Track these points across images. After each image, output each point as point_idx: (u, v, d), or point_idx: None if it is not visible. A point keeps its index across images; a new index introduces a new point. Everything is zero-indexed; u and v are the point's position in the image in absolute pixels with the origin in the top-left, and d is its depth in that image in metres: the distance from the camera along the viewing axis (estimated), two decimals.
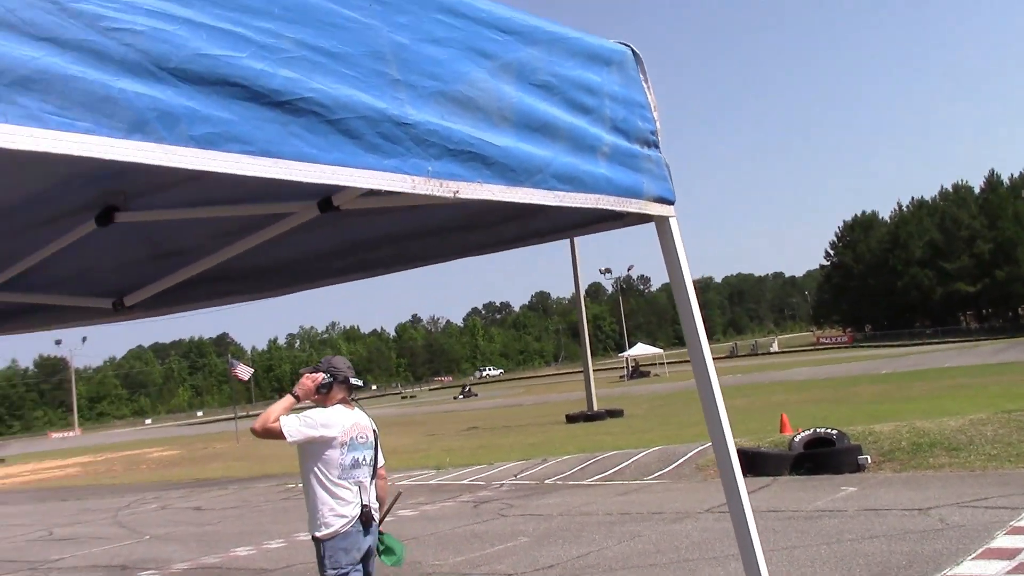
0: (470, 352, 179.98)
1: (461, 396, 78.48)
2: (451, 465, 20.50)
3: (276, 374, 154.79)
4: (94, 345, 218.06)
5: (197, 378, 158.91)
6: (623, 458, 17.23)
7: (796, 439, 14.34)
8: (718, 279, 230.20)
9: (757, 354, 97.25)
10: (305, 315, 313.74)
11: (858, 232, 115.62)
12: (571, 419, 31.95)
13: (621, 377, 73.53)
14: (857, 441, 14.15)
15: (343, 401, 5.61)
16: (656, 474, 15.22)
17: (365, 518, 5.45)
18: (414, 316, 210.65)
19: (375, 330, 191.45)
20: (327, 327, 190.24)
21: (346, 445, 5.45)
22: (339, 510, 5.39)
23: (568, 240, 31.82)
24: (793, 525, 9.60)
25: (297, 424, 5.35)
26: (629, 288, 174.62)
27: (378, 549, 5.70)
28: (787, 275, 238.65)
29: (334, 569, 5.38)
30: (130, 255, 2.63)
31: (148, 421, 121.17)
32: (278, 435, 5.32)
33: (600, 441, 22.25)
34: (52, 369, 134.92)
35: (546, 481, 16.00)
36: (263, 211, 2.18)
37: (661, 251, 2.14)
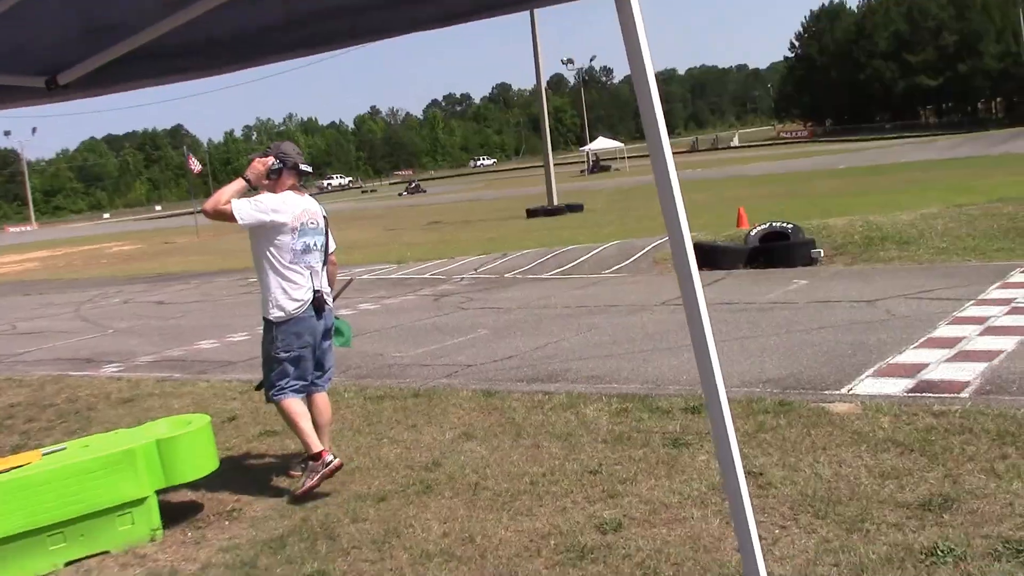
0: (430, 146, 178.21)
1: (405, 192, 77.60)
2: (411, 259, 20.69)
3: (234, 167, 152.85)
4: (45, 137, 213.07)
5: (154, 171, 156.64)
6: (582, 252, 17.46)
7: (752, 233, 14.55)
8: (681, 71, 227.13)
9: (718, 148, 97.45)
10: (261, 107, 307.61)
11: (824, 22, 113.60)
12: (531, 214, 32.15)
13: (582, 172, 73.57)
14: (811, 235, 14.40)
15: (293, 187, 5.71)
16: (614, 268, 15.47)
17: (318, 303, 5.62)
18: (373, 108, 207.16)
19: (333, 122, 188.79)
20: (284, 119, 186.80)
21: (297, 231, 5.57)
22: (292, 294, 5.56)
23: (530, 28, 30.75)
24: (745, 316, 9.87)
25: (248, 207, 5.45)
26: (591, 80, 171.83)
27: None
28: (751, 67, 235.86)
29: (286, 352, 5.60)
30: (62, 29, 2.49)
31: (106, 215, 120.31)
32: (229, 217, 5.42)
33: (559, 236, 22.47)
34: (3, 161, 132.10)
35: (506, 275, 16.23)
36: None
37: (621, 32, 2.02)
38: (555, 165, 35.76)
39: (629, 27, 1.99)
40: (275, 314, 5.58)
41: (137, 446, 5.16)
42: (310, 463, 5.57)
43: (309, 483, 5.49)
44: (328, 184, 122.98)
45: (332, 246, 5.95)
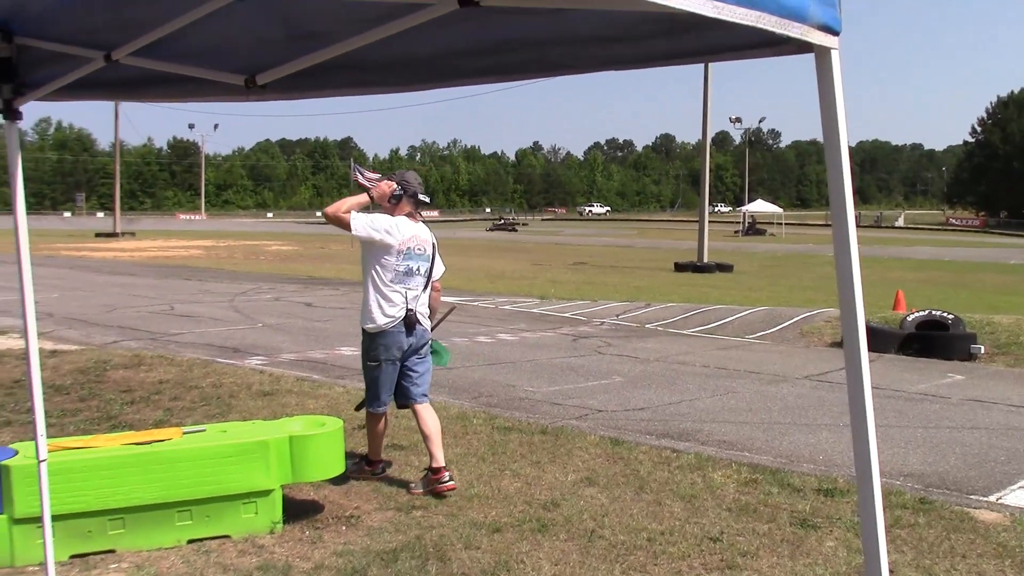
0: (587, 186, 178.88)
1: (493, 228, 76.07)
2: (555, 296, 20.74)
3: None
4: (224, 134, 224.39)
5: (319, 178, 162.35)
6: (727, 313, 17.13)
7: (909, 318, 13.97)
8: (852, 143, 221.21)
9: (881, 226, 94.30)
10: (428, 130, 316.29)
11: (1012, 111, 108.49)
12: (679, 267, 31.83)
13: (736, 232, 72.45)
14: (973, 329, 13.70)
15: (409, 214, 6.17)
16: (759, 334, 15.11)
17: (408, 321, 6.07)
18: (535, 143, 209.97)
19: (495, 153, 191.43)
20: (448, 144, 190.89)
21: (403, 253, 6.04)
22: (387, 310, 6.03)
23: (702, 81, 30.67)
24: (892, 404, 9.46)
25: (365, 222, 5.94)
26: (758, 141, 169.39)
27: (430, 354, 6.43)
28: (926, 148, 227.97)
29: (372, 361, 6.13)
30: (265, 33, 2.61)
31: (270, 215, 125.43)
32: (345, 225, 5.92)
33: (706, 293, 22.14)
34: (184, 152, 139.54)
35: (647, 325, 16.06)
36: None
37: (817, 88, 1.95)
38: (709, 222, 35.32)
39: (827, 84, 1.92)
40: (369, 326, 6.07)
41: (271, 439, 5.30)
42: (365, 466, 6.37)
43: (360, 473, 6.29)
44: (589, 211, 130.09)
45: (438, 272, 6.34)
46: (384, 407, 6.25)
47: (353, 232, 5.92)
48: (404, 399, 6.30)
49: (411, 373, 6.23)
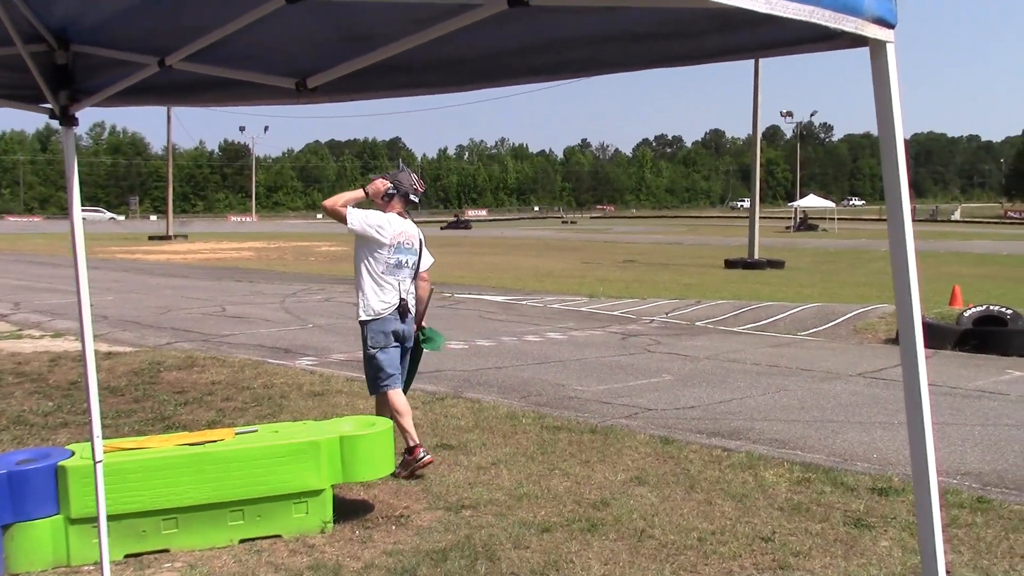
0: (636, 184, 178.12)
1: (447, 226, 72.86)
2: (604, 295, 20.67)
3: (443, 184, 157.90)
4: (274, 136, 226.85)
5: (368, 179, 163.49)
6: (778, 310, 16.95)
7: (966, 314, 13.70)
8: (907, 136, 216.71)
9: (936, 220, 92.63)
10: (476, 128, 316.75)
11: None
12: (730, 264, 31.54)
13: (787, 228, 71.63)
14: None
15: (400, 212, 6.63)
16: (811, 330, 14.92)
17: (402, 308, 6.50)
18: (583, 141, 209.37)
19: (543, 151, 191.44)
20: (496, 142, 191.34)
21: (393, 247, 6.48)
22: (383, 298, 6.45)
23: (752, 75, 30.37)
24: (949, 402, 9.28)
25: (360, 216, 6.44)
26: (809, 135, 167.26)
27: (421, 338, 6.83)
28: (983, 139, 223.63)
29: (374, 347, 6.47)
30: (316, 36, 2.63)
31: (319, 216, 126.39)
32: (342, 218, 6.41)
33: (757, 290, 21.93)
34: (235, 154, 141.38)
35: (697, 323, 15.94)
36: (451, 0, 2.12)
37: (872, 82, 1.90)
38: (761, 218, 34.96)
39: (883, 78, 1.89)
40: (365, 316, 6.47)
41: (322, 439, 5.35)
42: (406, 457, 6.40)
43: (402, 474, 6.33)
44: (740, 204, 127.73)
45: (426, 264, 6.77)
46: (397, 384, 6.54)
47: (349, 225, 6.42)
48: None
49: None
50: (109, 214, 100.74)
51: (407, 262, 6.56)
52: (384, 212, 6.56)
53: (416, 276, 6.66)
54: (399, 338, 6.53)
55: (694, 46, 2.18)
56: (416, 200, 6.75)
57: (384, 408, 6.49)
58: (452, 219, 75.63)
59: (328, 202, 6.54)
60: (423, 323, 6.84)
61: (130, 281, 24.45)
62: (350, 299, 19.77)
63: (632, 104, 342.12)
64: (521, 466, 6.65)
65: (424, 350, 6.91)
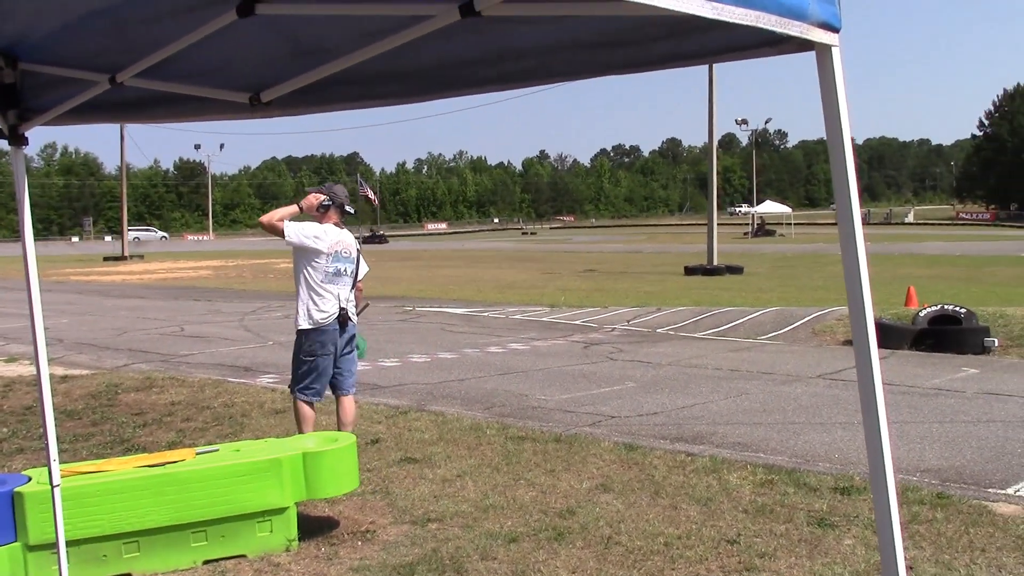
0: (595, 194, 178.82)
1: (364, 240, 73.24)
2: (565, 304, 20.72)
3: (402, 198, 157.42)
4: (230, 153, 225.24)
5: (303, 193, 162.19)
6: (738, 315, 17.09)
7: (921, 314, 13.91)
8: (859, 141, 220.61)
9: (890, 223, 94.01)
10: (434, 142, 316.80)
11: (1019, 103, 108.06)
12: (689, 271, 31.80)
13: (745, 234, 72.36)
14: (986, 322, 13.64)
15: (336, 223, 6.81)
16: (770, 334, 15.06)
17: (342, 318, 6.68)
18: (541, 152, 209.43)
19: (502, 163, 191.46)
20: (455, 156, 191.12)
21: (331, 256, 6.66)
22: (322, 308, 6.62)
23: (707, 84, 30.65)
24: (907, 400, 9.41)
25: (296, 229, 6.61)
26: (764, 143, 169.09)
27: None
28: (933, 143, 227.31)
29: (310, 357, 6.66)
30: (269, 50, 2.62)
31: None
32: (280, 233, 6.59)
33: (717, 296, 22.10)
34: (190, 173, 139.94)
35: (658, 330, 16.03)
36: (403, 12, 2.13)
37: (819, 86, 1.94)
38: (719, 225, 35.26)
39: (828, 82, 1.92)
40: (305, 324, 6.65)
41: (285, 456, 5.30)
42: None
43: None
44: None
45: (362, 272, 7.00)
46: (317, 398, 6.78)
47: (287, 238, 6.58)
48: (335, 391, 6.93)
49: (342, 367, 6.86)
50: (161, 233, 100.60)
51: (346, 270, 6.76)
52: (320, 223, 6.73)
53: (354, 285, 6.87)
54: (334, 350, 6.72)
55: (644, 53, 2.20)
56: (351, 210, 7.01)
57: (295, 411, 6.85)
58: (368, 234, 75.79)
59: (264, 218, 6.72)
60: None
61: (85, 303, 24.10)
62: None
63: (590, 115, 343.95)
64: (486, 477, 6.63)
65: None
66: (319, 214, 6.78)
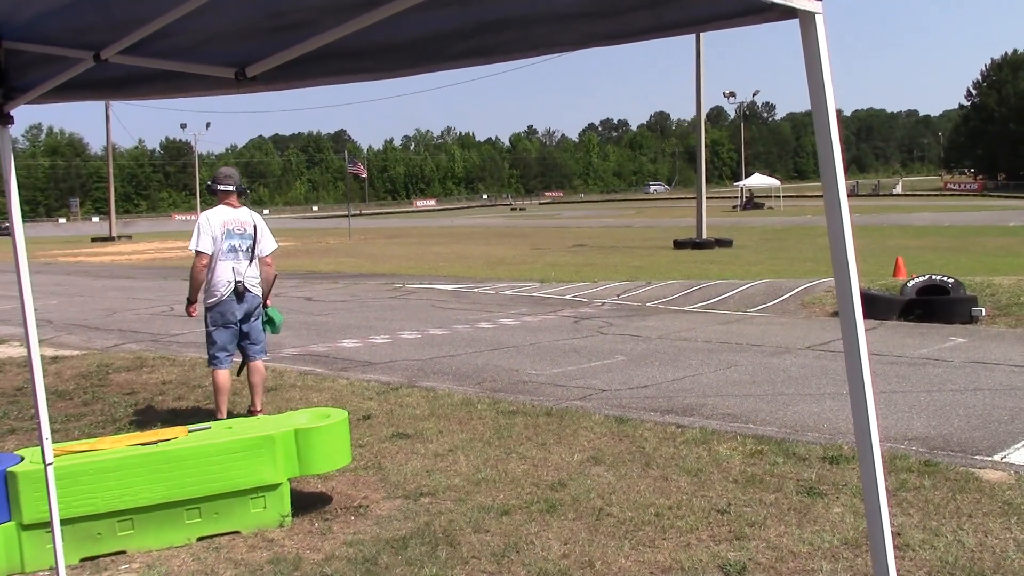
0: (583, 169, 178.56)
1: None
2: (555, 280, 20.74)
3: (390, 175, 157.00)
4: (217, 132, 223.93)
5: (314, 173, 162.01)
6: (727, 288, 17.14)
7: (909, 284, 13.98)
8: (847, 112, 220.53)
9: (879, 195, 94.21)
10: (421, 119, 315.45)
11: (1006, 72, 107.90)
12: (679, 245, 31.84)
13: (734, 207, 72.40)
14: (973, 292, 13.73)
15: (228, 202, 7.44)
16: (760, 307, 15.12)
17: (238, 291, 7.30)
18: (529, 127, 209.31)
19: (490, 139, 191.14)
20: (442, 132, 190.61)
21: (223, 235, 7.26)
22: (219, 281, 7.26)
23: (695, 57, 30.49)
24: (895, 370, 9.47)
25: (193, 239, 7.29)
26: (752, 115, 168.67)
27: (264, 318, 7.64)
28: (921, 114, 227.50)
29: (213, 326, 7.34)
30: (252, 25, 2.62)
31: (266, 212, 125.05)
32: (202, 263, 7.28)
33: (706, 269, 22.15)
34: (177, 152, 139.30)
35: (648, 304, 16.08)
36: None
37: (803, 55, 1.94)
38: (708, 199, 35.28)
39: (812, 49, 1.93)
40: (208, 301, 7.29)
41: (277, 433, 5.32)
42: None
43: None
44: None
45: (268, 249, 7.54)
46: (224, 365, 7.39)
47: (198, 249, 7.24)
48: (245, 358, 7.59)
49: (248, 336, 7.48)
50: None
51: (240, 246, 7.32)
52: (218, 206, 7.40)
53: (254, 259, 7.41)
54: (235, 319, 7.33)
55: (626, 24, 2.20)
56: (230, 188, 7.47)
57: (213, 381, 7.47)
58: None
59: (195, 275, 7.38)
60: (268, 302, 7.67)
61: (74, 284, 24.04)
62: (300, 293, 19.70)
63: (577, 89, 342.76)
64: (478, 451, 6.67)
65: (267, 331, 7.70)
66: (215, 198, 7.46)
